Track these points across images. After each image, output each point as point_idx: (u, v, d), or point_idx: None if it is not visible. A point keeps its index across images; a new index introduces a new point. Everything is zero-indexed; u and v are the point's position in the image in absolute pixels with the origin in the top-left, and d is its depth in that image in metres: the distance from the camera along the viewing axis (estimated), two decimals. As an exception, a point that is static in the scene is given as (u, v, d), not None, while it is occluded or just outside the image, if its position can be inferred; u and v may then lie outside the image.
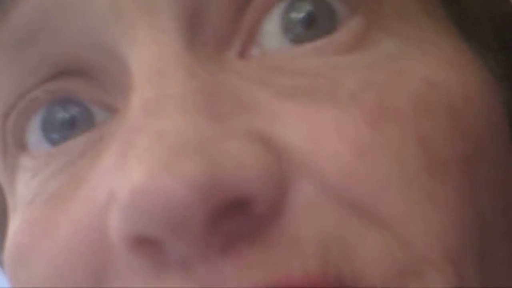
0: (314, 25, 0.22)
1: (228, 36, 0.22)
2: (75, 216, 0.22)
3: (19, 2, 0.23)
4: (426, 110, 0.21)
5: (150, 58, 0.21)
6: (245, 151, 0.19)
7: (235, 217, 0.19)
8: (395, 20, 0.23)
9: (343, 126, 0.20)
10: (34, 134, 0.24)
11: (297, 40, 0.22)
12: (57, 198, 0.23)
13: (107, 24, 0.22)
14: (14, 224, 0.24)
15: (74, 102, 0.24)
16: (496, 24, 0.28)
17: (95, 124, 0.24)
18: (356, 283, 0.19)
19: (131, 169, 0.19)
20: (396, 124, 0.20)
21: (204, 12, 0.22)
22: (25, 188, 0.24)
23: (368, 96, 0.21)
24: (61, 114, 0.24)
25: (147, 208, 0.18)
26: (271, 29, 0.22)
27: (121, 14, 0.22)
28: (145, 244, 0.19)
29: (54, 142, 0.24)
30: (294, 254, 0.19)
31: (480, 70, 0.24)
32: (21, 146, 0.25)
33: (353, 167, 0.20)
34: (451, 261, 0.20)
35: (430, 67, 0.22)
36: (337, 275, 0.19)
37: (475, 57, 0.24)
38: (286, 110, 0.21)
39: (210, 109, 0.20)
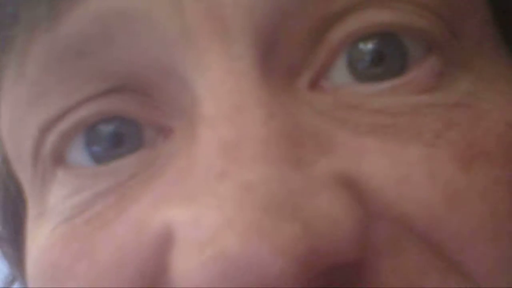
0: (382, 61, 0.21)
1: (299, 65, 0.21)
2: (121, 240, 0.20)
3: (75, 8, 0.21)
4: (510, 150, 0.21)
5: (224, 89, 0.20)
6: (335, 207, 0.19)
7: (323, 278, 0.18)
8: (470, 54, 0.22)
9: (434, 168, 0.20)
10: (76, 151, 0.23)
11: (365, 77, 0.21)
12: (101, 219, 0.21)
13: (175, 45, 0.21)
14: (44, 237, 0.23)
15: (122, 118, 0.22)
16: None
17: (144, 143, 0.22)
18: None
19: (212, 227, 0.18)
20: (485, 164, 0.20)
21: (279, 39, 0.21)
22: (62, 203, 0.23)
23: (455, 136, 0.20)
24: (108, 130, 0.23)
25: (239, 276, 0.17)
26: (340, 63, 0.21)
27: (192, 37, 0.20)
28: None
29: (98, 159, 0.23)
30: None
31: None
32: (60, 160, 0.23)
33: (441, 211, 0.19)
34: None
35: (504, 109, 0.22)
36: None
37: None
38: (368, 148, 0.20)
39: (293, 153, 0.19)
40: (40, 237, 0.23)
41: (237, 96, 0.20)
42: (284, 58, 0.21)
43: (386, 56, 0.21)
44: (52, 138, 0.23)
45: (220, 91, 0.20)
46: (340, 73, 0.21)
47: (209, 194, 0.18)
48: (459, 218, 0.19)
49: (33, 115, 0.23)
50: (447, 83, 0.22)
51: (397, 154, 0.20)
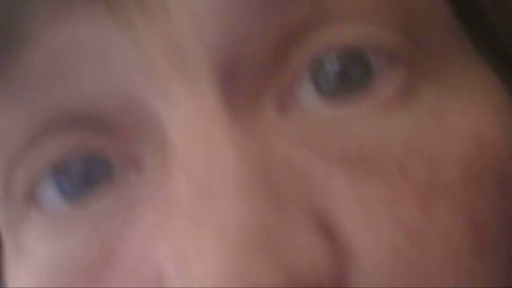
0: (348, 79, 0.21)
1: (263, 90, 0.21)
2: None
3: (30, 44, 0.21)
4: (475, 179, 0.21)
5: (194, 127, 0.20)
6: (314, 247, 0.19)
7: None
8: (436, 63, 0.22)
9: (395, 209, 0.20)
10: (46, 189, 0.22)
11: (331, 96, 0.21)
12: (91, 271, 0.21)
13: (135, 75, 0.20)
14: (29, 280, 0.23)
15: (90, 152, 0.22)
16: None
17: (115, 176, 0.22)
18: None
19: (193, 272, 0.18)
20: (447, 202, 0.20)
21: (240, 66, 0.20)
22: (41, 247, 0.22)
23: (417, 170, 0.20)
24: (76, 165, 0.22)
25: None
26: (305, 83, 0.21)
27: (152, 68, 0.20)
28: None
29: (69, 196, 0.22)
30: None
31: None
32: (32, 199, 0.23)
33: (407, 254, 0.19)
34: None
35: (473, 120, 0.21)
36: None
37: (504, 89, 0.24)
38: (339, 185, 0.20)
39: (269, 191, 0.19)
40: (23, 279, 0.23)
41: (206, 135, 0.20)
42: (248, 85, 0.21)
43: (351, 72, 0.21)
44: (20, 174, 0.23)
45: (190, 130, 0.20)
46: (306, 93, 0.21)
47: (188, 240, 0.19)
48: (418, 255, 0.19)
49: None
50: (413, 97, 0.21)
51: (364, 197, 0.20)
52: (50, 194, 0.22)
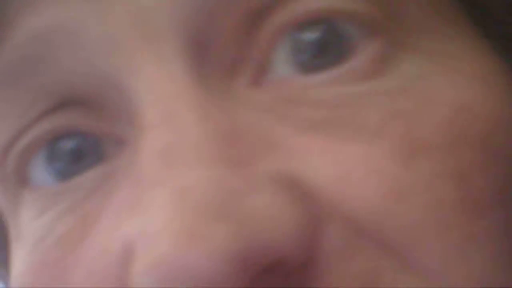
0: (325, 51, 0.21)
1: (237, 63, 0.21)
2: (89, 265, 0.21)
3: (11, 32, 0.22)
4: (457, 141, 0.20)
5: (160, 95, 0.20)
6: (274, 205, 0.18)
7: (268, 277, 0.18)
8: (416, 35, 0.22)
9: (372, 163, 0.19)
10: (38, 170, 0.23)
11: (308, 67, 0.21)
12: (68, 242, 0.21)
13: (104, 52, 0.21)
14: (19, 261, 0.23)
15: (80, 133, 0.23)
16: None
17: (105, 156, 0.22)
18: None
19: (152, 235, 0.18)
20: (428, 158, 0.19)
21: (210, 37, 0.21)
22: (30, 225, 0.23)
23: (395, 128, 0.20)
24: (68, 145, 0.23)
25: (174, 282, 0.17)
26: (281, 56, 0.21)
27: (118, 43, 0.21)
28: None
29: (60, 176, 0.23)
30: None
31: (509, 81, 0.22)
32: (24, 181, 0.23)
33: (385, 208, 0.19)
34: None
35: (457, 89, 0.21)
36: None
37: (502, 64, 0.23)
38: (309, 147, 0.20)
39: (230, 154, 0.19)
40: (17, 261, 0.24)
41: (170, 101, 0.20)
42: (219, 57, 0.21)
43: (328, 45, 0.21)
44: (12, 157, 0.23)
45: (155, 99, 0.20)
46: (284, 66, 0.21)
47: (149, 204, 0.18)
48: (403, 212, 0.19)
49: None
50: (391, 67, 0.21)
51: (337, 152, 0.19)
52: (42, 174, 0.23)
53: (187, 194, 0.18)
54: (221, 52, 0.21)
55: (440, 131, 0.20)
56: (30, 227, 0.23)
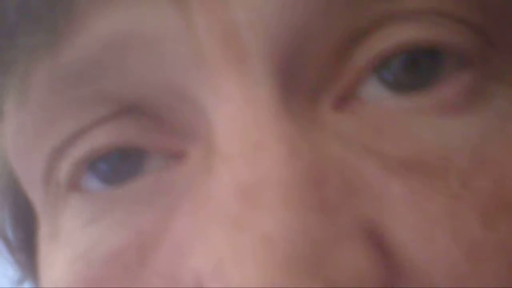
0: (415, 71, 0.20)
1: (324, 87, 0.20)
2: None
3: (77, 33, 0.20)
4: None
5: (242, 122, 0.18)
6: (360, 260, 0.18)
7: None
8: (509, 64, 0.20)
9: (456, 224, 0.18)
10: (89, 177, 0.22)
11: (397, 86, 0.20)
12: (122, 261, 0.20)
13: (187, 68, 0.19)
14: (61, 267, 0.22)
15: (127, 142, 0.21)
16: None
17: (146, 164, 0.21)
18: None
19: (233, 278, 0.17)
20: (509, 220, 0.19)
21: (303, 61, 0.19)
22: (77, 232, 0.22)
23: (482, 183, 0.19)
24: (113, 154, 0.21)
25: None
26: (368, 82, 0.20)
27: (206, 61, 0.19)
28: None
29: (107, 181, 0.21)
30: None
31: None
32: (74, 186, 0.22)
33: (464, 271, 0.18)
34: None
35: None
36: None
37: None
38: (394, 192, 0.19)
39: (317, 197, 0.18)
40: (56, 265, 0.22)
41: (256, 131, 0.18)
42: (306, 82, 0.19)
43: (419, 64, 0.20)
44: (66, 165, 0.22)
45: (238, 125, 0.19)
46: (368, 87, 0.20)
47: (229, 246, 0.18)
48: (477, 273, 0.18)
49: (41, 141, 0.22)
50: (479, 100, 0.20)
51: (422, 206, 0.19)
52: (89, 178, 0.22)
53: (272, 243, 0.17)
54: (309, 77, 0.19)
55: None
56: (77, 234, 0.22)
